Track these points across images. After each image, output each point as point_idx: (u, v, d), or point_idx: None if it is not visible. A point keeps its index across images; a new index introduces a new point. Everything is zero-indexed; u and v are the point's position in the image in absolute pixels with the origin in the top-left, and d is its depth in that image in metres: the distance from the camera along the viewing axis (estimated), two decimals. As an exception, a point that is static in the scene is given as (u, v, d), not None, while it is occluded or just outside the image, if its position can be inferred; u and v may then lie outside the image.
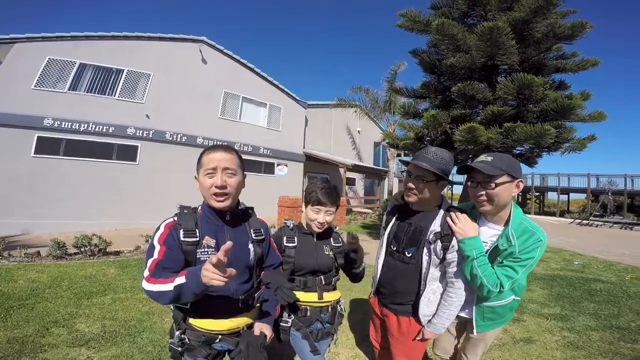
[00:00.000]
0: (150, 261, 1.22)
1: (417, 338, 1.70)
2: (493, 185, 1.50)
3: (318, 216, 1.70)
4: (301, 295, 1.70)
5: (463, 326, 1.89)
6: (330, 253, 1.80)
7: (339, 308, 1.83)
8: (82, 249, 5.63)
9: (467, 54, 6.32)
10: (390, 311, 1.76)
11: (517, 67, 6.31)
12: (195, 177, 1.34)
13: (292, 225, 1.80)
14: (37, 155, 8.57)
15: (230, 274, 1.04)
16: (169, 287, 1.12)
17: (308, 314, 1.71)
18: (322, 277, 1.76)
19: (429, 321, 1.65)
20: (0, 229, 7.27)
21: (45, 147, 8.69)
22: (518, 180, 1.54)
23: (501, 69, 6.81)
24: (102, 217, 9.06)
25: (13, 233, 7.43)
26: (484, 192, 1.53)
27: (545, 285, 4.98)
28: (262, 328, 1.35)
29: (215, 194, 1.27)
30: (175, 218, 1.30)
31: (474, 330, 1.74)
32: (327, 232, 1.84)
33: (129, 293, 3.97)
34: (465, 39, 6.26)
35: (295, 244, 1.73)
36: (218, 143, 1.28)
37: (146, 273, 1.21)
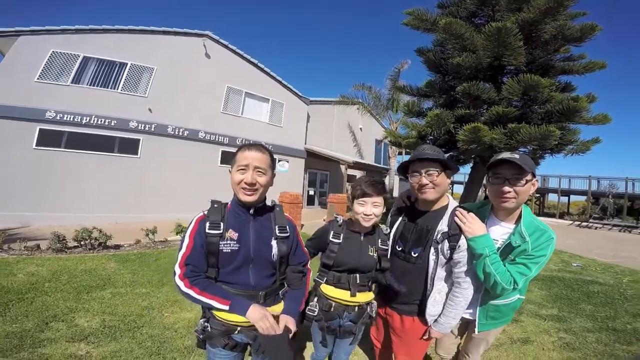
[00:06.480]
0: (180, 255, 1.33)
1: (424, 337, 1.71)
2: (524, 182, 1.50)
3: (364, 208, 1.66)
4: (331, 291, 1.72)
5: (465, 326, 1.90)
6: (375, 255, 1.74)
7: (368, 309, 1.77)
8: (82, 243, 5.64)
9: (473, 53, 6.26)
10: (394, 311, 1.76)
11: (523, 68, 6.26)
12: (230, 172, 1.43)
13: (341, 221, 1.78)
14: (39, 148, 8.56)
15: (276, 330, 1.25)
16: (210, 302, 1.27)
17: (332, 309, 1.72)
18: (357, 275, 1.72)
19: (435, 321, 1.65)
20: (0, 221, 7.30)
21: (47, 139, 8.68)
22: (535, 179, 1.57)
23: (507, 69, 6.77)
24: (103, 211, 9.07)
25: (13, 225, 7.45)
26: (512, 190, 1.52)
27: (543, 286, 4.98)
28: (287, 321, 1.34)
29: (244, 189, 1.36)
30: (206, 212, 1.40)
31: (476, 330, 1.75)
32: (374, 231, 1.79)
33: (128, 287, 3.97)
34: (472, 38, 6.21)
35: (340, 241, 1.72)
36: (252, 142, 1.53)
37: (178, 270, 1.31)
